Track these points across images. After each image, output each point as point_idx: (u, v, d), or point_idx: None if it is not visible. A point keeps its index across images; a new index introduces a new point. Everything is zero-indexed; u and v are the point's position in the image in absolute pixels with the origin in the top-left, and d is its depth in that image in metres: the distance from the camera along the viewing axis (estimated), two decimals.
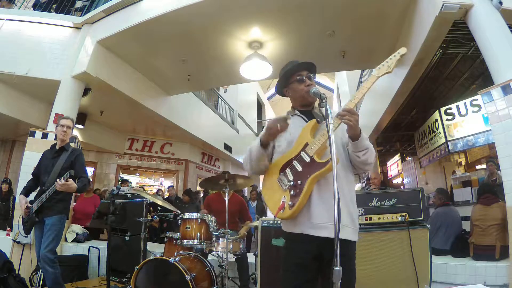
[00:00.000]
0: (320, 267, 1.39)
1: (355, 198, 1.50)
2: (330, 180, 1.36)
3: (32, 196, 2.86)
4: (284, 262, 1.44)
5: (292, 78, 1.59)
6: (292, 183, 1.40)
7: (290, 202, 1.37)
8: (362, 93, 1.37)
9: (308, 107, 1.60)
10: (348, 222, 1.40)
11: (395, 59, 1.35)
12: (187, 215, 2.78)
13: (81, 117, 6.13)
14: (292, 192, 1.38)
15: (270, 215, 5.18)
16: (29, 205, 2.72)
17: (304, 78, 1.56)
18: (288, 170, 1.44)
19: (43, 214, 2.69)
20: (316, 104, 1.58)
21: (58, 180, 2.55)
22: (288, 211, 1.36)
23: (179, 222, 2.81)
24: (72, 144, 2.99)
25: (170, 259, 2.38)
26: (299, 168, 1.40)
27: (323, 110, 1.55)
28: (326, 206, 1.34)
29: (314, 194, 1.38)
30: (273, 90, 18.28)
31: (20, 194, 2.84)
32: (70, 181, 2.56)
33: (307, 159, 1.39)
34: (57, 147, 2.90)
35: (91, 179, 7.84)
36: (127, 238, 3.63)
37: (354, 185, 1.56)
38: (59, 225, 2.71)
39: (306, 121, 1.54)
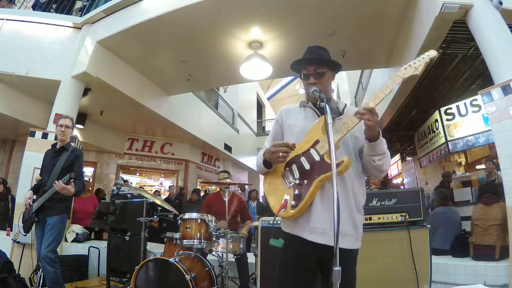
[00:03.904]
0: (320, 271, 1.33)
1: (362, 206, 1.38)
2: (337, 183, 1.29)
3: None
4: (281, 262, 1.37)
5: (300, 71, 1.46)
6: (297, 181, 1.30)
7: (293, 202, 1.28)
8: (384, 93, 1.22)
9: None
10: (350, 230, 1.30)
11: (423, 61, 1.19)
12: (187, 215, 2.78)
13: (81, 117, 6.11)
14: (296, 192, 1.29)
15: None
16: (32, 203, 2.73)
17: (309, 74, 1.42)
18: (294, 167, 1.34)
19: (45, 213, 2.70)
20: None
21: (56, 181, 2.54)
22: (290, 211, 1.27)
23: (179, 222, 2.81)
24: (72, 144, 2.99)
25: (170, 259, 2.38)
26: (306, 166, 1.30)
27: (340, 105, 1.46)
28: (328, 211, 1.23)
29: (316, 197, 1.28)
30: (273, 90, 18.25)
31: (29, 190, 2.84)
32: (70, 185, 2.56)
33: (317, 158, 1.28)
34: (57, 147, 2.90)
35: (90, 179, 7.85)
36: (127, 238, 3.64)
37: (365, 191, 1.43)
38: (60, 225, 2.71)
39: (318, 115, 1.42)
